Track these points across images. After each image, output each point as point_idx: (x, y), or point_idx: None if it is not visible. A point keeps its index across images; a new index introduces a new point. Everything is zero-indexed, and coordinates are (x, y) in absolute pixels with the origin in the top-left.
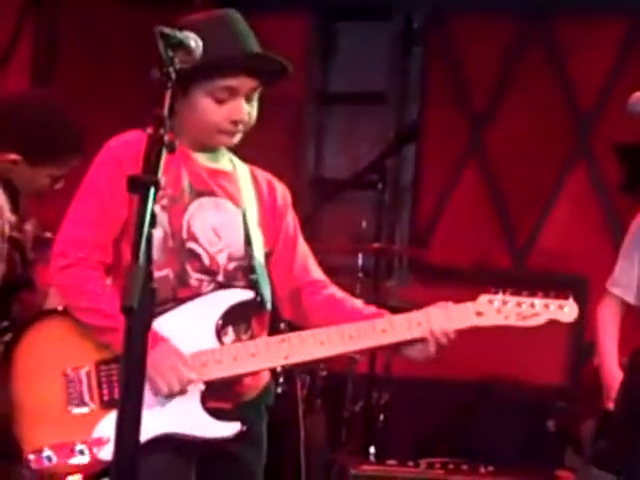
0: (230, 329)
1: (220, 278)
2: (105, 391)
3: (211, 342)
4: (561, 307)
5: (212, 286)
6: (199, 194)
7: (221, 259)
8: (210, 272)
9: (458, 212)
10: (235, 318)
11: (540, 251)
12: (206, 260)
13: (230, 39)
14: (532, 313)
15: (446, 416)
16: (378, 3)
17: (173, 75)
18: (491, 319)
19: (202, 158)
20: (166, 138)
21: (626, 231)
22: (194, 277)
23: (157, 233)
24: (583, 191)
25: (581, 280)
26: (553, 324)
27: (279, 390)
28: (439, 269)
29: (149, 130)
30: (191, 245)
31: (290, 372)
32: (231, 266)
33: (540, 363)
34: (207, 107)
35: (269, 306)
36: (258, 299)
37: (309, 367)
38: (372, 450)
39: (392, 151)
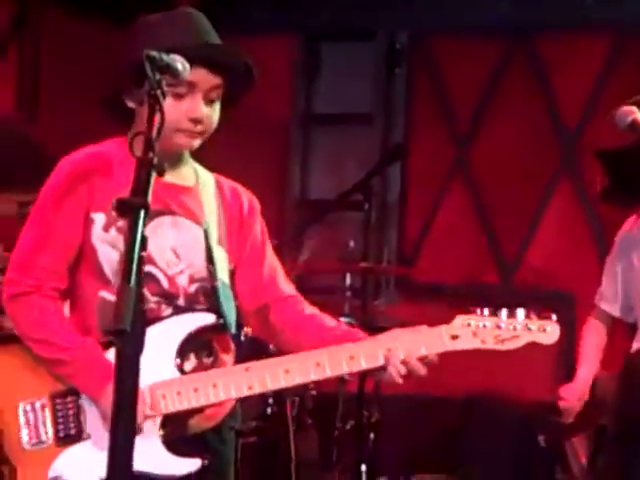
0: (192, 355)
1: (180, 301)
2: (61, 426)
3: (171, 371)
4: (543, 329)
5: (170, 310)
6: (156, 214)
7: (181, 281)
8: (169, 295)
9: (445, 230)
10: (196, 343)
11: (528, 267)
12: (164, 283)
13: (187, 31)
14: (511, 335)
15: (436, 433)
16: (362, 24)
17: (161, 98)
18: (466, 343)
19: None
20: (155, 160)
21: (612, 245)
22: (152, 300)
23: (113, 256)
24: (569, 207)
25: (569, 296)
26: None
27: (269, 411)
28: (427, 287)
29: (137, 153)
30: (148, 268)
31: (280, 392)
32: (192, 288)
33: (530, 379)
34: (164, 103)
35: (232, 329)
36: (220, 322)
37: (297, 388)
38: (363, 468)
39: (378, 171)
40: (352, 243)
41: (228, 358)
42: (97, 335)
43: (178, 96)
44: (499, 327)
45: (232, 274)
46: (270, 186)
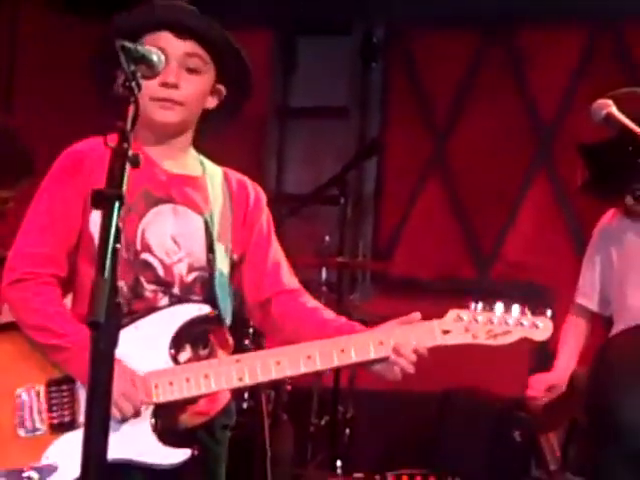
0: (187, 346)
1: (175, 290)
2: (55, 414)
3: (165, 361)
4: (535, 325)
5: (167, 298)
6: (157, 201)
7: (179, 269)
8: (165, 283)
9: (421, 225)
10: (192, 334)
11: (504, 261)
12: (160, 271)
13: (152, 3)
14: (503, 331)
15: (412, 428)
16: (338, 18)
17: (136, 90)
18: (458, 338)
19: (167, 163)
20: (130, 152)
21: (589, 239)
22: (149, 289)
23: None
24: (546, 200)
25: (545, 290)
26: None
27: (244, 405)
28: (403, 282)
29: (112, 144)
30: (145, 256)
31: (255, 387)
32: (190, 277)
33: (505, 374)
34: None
35: (228, 321)
36: (215, 313)
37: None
38: (339, 464)
39: (354, 165)
40: (328, 237)
41: (224, 353)
42: None
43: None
44: (491, 322)
45: (234, 266)
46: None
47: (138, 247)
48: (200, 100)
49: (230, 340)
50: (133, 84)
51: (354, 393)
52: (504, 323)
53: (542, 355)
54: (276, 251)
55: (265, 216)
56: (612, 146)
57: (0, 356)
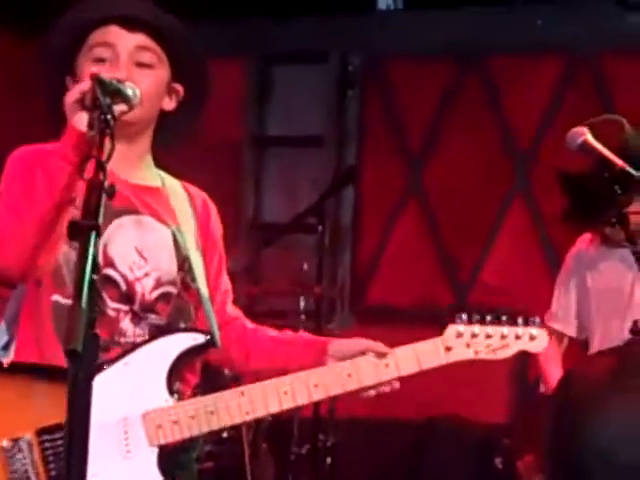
0: (179, 378)
1: (135, 307)
2: (52, 465)
3: (164, 399)
4: (532, 336)
5: (129, 317)
6: (118, 213)
7: (143, 285)
8: (127, 300)
9: (399, 252)
10: (184, 365)
11: (482, 287)
12: (123, 286)
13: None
14: (502, 344)
15: (393, 456)
16: (314, 46)
17: (111, 122)
18: (461, 354)
19: (124, 173)
20: (105, 183)
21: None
22: (111, 307)
23: (72, 256)
24: (522, 227)
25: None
26: (497, 361)
27: (224, 435)
28: (381, 310)
29: (87, 175)
30: (108, 271)
31: None
32: (155, 294)
33: (485, 401)
34: (88, 70)
35: (218, 344)
36: (209, 340)
37: None
38: None
39: (331, 194)
40: (306, 266)
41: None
42: (52, 339)
43: (100, 60)
44: (489, 336)
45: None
46: (223, 208)
47: (100, 262)
48: (155, 97)
49: (197, 367)
50: (109, 117)
51: (335, 421)
52: (502, 337)
53: (522, 381)
54: (226, 280)
55: (220, 238)
56: (589, 175)
57: None
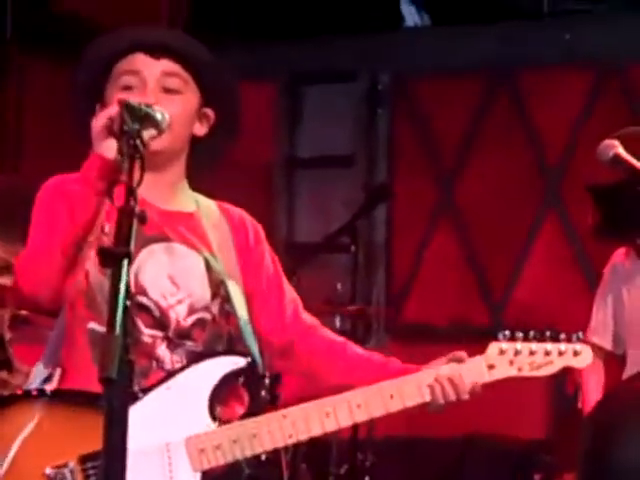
0: (221, 403)
1: (170, 334)
2: None
3: (206, 424)
4: (575, 352)
5: (165, 344)
6: (148, 240)
7: (177, 312)
8: (162, 326)
9: (432, 270)
10: (226, 390)
11: (517, 304)
12: (157, 314)
13: (122, 28)
14: (546, 361)
15: (432, 475)
16: (343, 66)
17: (141, 147)
18: (504, 371)
19: (155, 200)
20: (137, 209)
21: (600, 279)
22: (146, 334)
23: (105, 284)
24: (555, 242)
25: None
26: (535, 378)
27: (263, 457)
28: (416, 328)
29: (117, 202)
30: (140, 299)
31: None
32: (190, 320)
33: (523, 417)
34: (115, 98)
35: (260, 365)
36: (250, 364)
37: None
38: None
39: (363, 213)
40: (340, 286)
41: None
42: (90, 367)
43: (127, 88)
44: (532, 353)
45: (250, 304)
46: None
47: (132, 290)
48: (183, 123)
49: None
50: (138, 142)
51: (372, 441)
52: (545, 353)
53: (560, 397)
54: (290, 290)
55: (268, 253)
56: (621, 187)
57: (21, 428)
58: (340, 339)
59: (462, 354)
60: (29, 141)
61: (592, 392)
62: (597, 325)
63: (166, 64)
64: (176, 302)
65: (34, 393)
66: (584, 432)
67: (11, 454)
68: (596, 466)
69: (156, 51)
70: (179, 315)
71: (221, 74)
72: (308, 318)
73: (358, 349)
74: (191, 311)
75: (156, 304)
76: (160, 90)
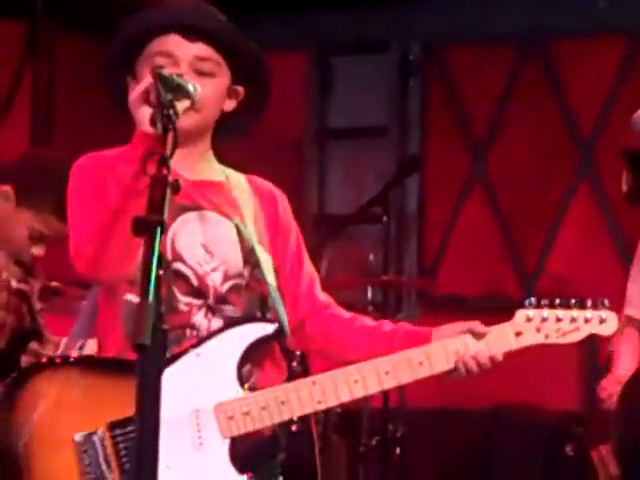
0: (250, 368)
1: (210, 301)
2: (124, 459)
3: (235, 391)
4: (602, 319)
5: (203, 311)
6: (182, 209)
7: (212, 279)
8: (200, 294)
9: (464, 241)
10: (254, 356)
11: (549, 275)
12: (194, 281)
13: (159, 4)
14: (572, 328)
15: (464, 445)
16: (374, 36)
17: (174, 117)
18: (531, 338)
19: (186, 171)
20: (170, 178)
21: (634, 250)
22: (183, 301)
23: (139, 256)
24: (588, 212)
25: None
26: (566, 348)
27: (293, 428)
28: (448, 299)
29: (150, 171)
30: (177, 266)
31: None
32: (225, 286)
33: (555, 388)
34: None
35: (288, 331)
36: (277, 330)
37: None
38: None
39: (395, 183)
40: (372, 256)
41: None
42: (122, 337)
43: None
44: (559, 320)
45: (277, 275)
46: (288, 202)
47: (169, 257)
48: (216, 105)
49: (284, 358)
50: (171, 112)
51: (403, 412)
52: (571, 320)
53: (592, 367)
54: (309, 265)
55: (294, 226)
56: None
57: (49, 396)
58: (349, 315)
59: (484, 329)
60: (60, 115)
61: (624, 361)
62: (632, 297)
63: (200, 47)
64: (211, 270)
65: (58, 361)
66: (618, 405)
67: (35, 420)
68: (632, 438)
69: (190, 33)
70: (215, 282)
71: (252, 54)
72: (322, 296)
73: (367, 321)
74: (226, 278)
75: (194, 271)
76: (192, 73)
